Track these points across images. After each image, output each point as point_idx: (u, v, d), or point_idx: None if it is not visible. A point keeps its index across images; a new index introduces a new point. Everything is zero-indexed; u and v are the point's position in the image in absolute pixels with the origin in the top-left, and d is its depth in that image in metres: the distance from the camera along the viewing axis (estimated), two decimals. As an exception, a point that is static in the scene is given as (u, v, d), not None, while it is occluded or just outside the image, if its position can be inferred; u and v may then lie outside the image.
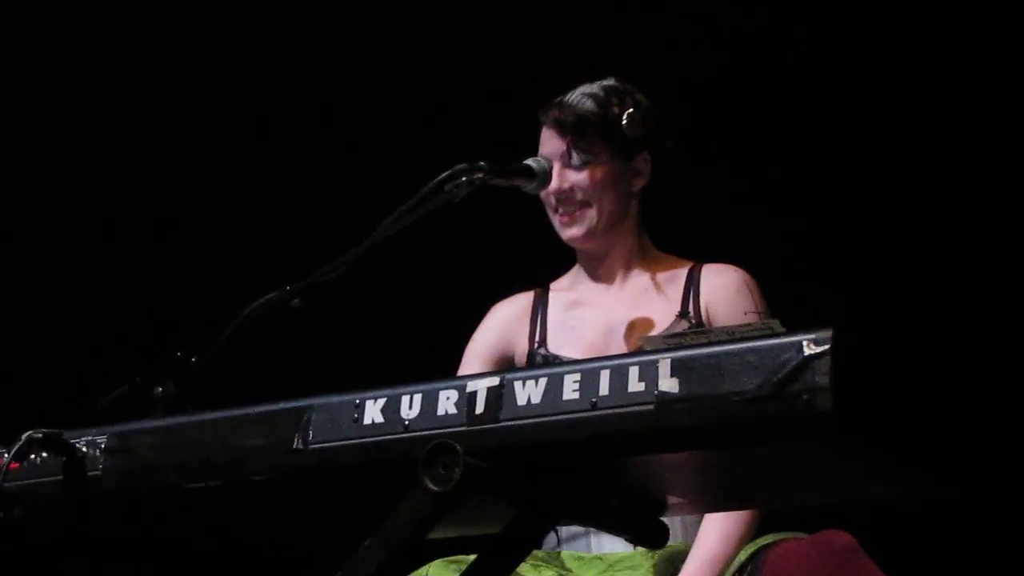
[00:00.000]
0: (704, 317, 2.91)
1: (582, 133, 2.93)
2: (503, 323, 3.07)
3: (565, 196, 2.95)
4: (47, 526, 2.29)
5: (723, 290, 2.94)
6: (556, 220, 2.98)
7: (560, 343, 2.97)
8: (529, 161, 2.90)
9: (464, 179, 2.64)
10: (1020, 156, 3.85)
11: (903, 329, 3.67)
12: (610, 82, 3.01)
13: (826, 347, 1.86)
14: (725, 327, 2.05)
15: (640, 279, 3.00)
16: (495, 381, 2.01)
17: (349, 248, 2.57)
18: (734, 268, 2.98)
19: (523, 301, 3.09)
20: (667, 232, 3.10)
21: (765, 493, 2.34)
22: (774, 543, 2.71)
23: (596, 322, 2.97)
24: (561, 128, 2.94)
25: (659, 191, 3.05)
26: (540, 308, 3.05)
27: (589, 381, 1.96)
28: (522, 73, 3.89)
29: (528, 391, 1.99)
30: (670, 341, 2.01)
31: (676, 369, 1.92)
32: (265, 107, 4.27)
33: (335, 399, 2.09)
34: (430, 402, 2.03)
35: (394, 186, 2.68)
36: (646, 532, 2.25)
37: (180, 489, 2.14)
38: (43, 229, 4.25)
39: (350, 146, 4.25)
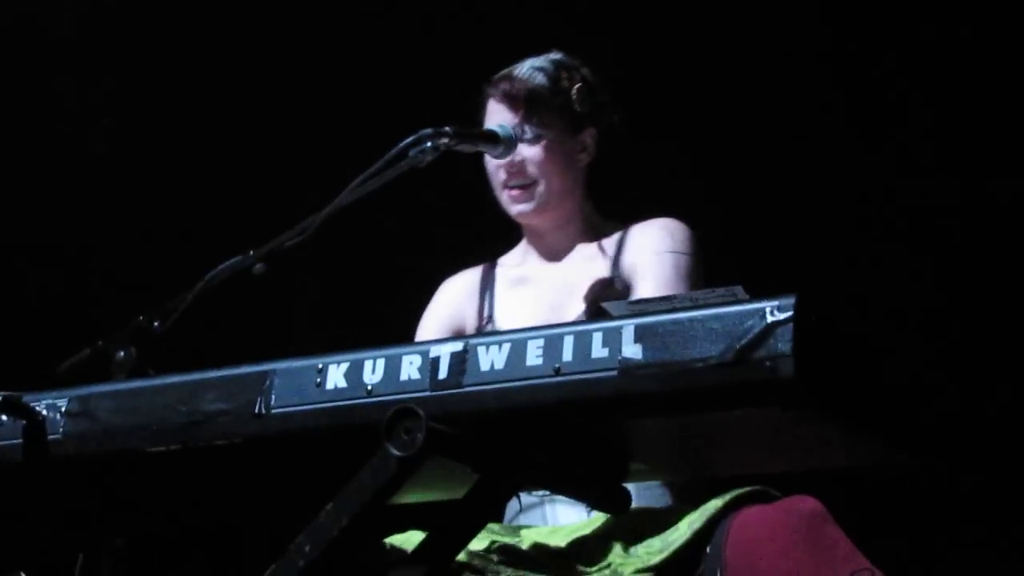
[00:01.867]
0: (626, 274, 2.88)
1: (534, 107, 2.91)
2: (453, 299, 3.06)
3: (516, 170, 2.93)
4: (7, 490, 2.27)
5: (641, 237, 2.91)
6: (504, 195, 2.96)
7: (508, 318, 2.96)
8: (494, 127, 2.87)
9: (429, 144, 2.61)
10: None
11: (864, 297, 3.69)
12: (558, 56, 2.99)
13: (789, 314, 1.87)
14: (689, 294, 2.04)
15: (584, 251, 2.98)
16: (459, 346, 2.01)
17: (312, 212, 2.56)
18: (660, 219, 2.95)
19: (472, 276, 3.08)
20: (631, 201, 3.09)
21: (727, 459, 2.35)
22: (736, 509, 2.68)
23: (542, 297, 2.95)
24: (512, 101, 2.92)
25: (616, 162, 3.04)
26: (488, 283, 3.04)
27: (553, 347, 1.96)
28: (471, 44, 3.89)
29: (492, 356, 1.99)
30: (634, 307, 2.01)
31: (640, 335, 1.92)
32: (227, 72, 4.25)
33: (297, 363, 2.09)
34: (393, 367, 2.03)
35: (358, 149, 2.66)
36: (609, 498, 2.25)
37: (141, 453, 2.13)
38: (2, 194, 4.22)
39: (313, 109, 4.23)
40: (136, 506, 2.45)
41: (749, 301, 1.91)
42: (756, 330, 1.87)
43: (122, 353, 2.44)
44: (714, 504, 2.65)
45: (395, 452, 1.94)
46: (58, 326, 3.68)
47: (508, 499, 2.85)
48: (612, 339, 1.93)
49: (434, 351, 2.02)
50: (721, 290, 1.98)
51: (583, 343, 1.95)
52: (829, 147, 3.96)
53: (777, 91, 3.98)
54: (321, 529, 2.00)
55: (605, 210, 3.05)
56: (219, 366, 2.14)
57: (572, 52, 3.01)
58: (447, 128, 2.66)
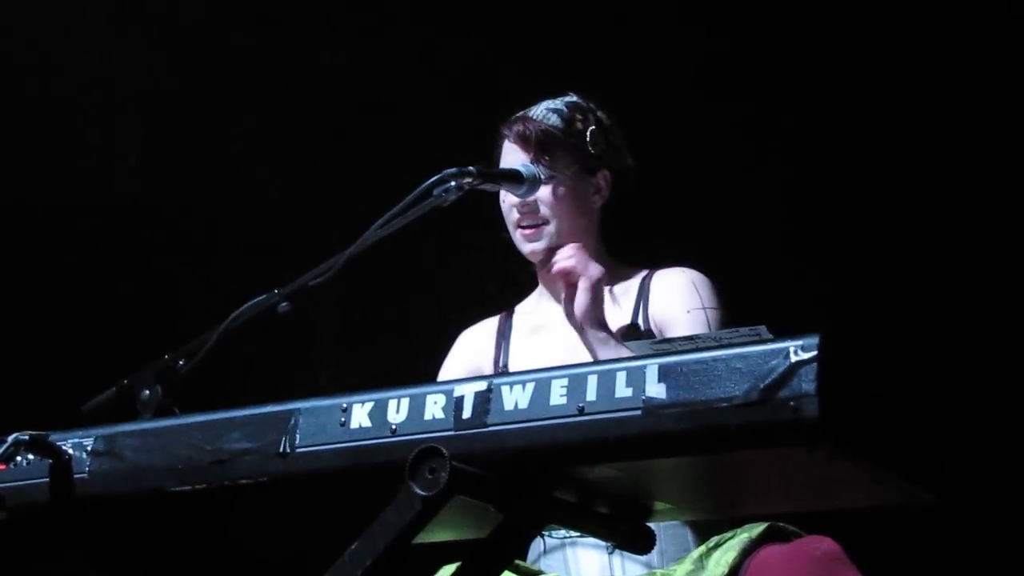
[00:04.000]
0: (654, 325, 2.88)
1: (546, 148, 2.91)
2: (469, 350, 3.07)
3: (529, 209, 2.92)
4: (33, 528, 2.27)
5: (668, 292, 2.91)
6: (518, 235, 2.96)
7: (524, 366, 2.93)
8: (518, 166, 2.88)
9: (453, 183, 2.61)
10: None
11: (889, 337, 3.67)
12: (572, 98, 3.00)
13: (813, 354, 1.86)
14: (712, 333, 2.04)
15: None
16: (483, 386, 2.00)
17: (337, 251, 2.56)
18: (681, 269, 2.96)
19: (489, 326, 3.08)
20: (651, 239, 3.09)
21: (752, 498, 2.33)
22: (757, 549, 2.67)
23: (557, 345, 2.94)
24: (525, 142, 2.92)
25: (633, 203, 3.04)
26: (505, 332, 3.04)
27: (576, 386, 1.95)
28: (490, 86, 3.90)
29: (516, 396, 1.98)
30: (657, 347, 2.00)
31: (663, 375, 1.92)
32: (252, 109, 4.25)
33: (322, 403, 2.08)
34: (417, 406, 2.03)
35: (383, 189, 2.66)
36: (633, 538, 2.24)
37: (166, 492, 2.13)
38: (27, 231, 4.22)
39: (338, 149, 4.23)
40: (162, 545, 2.44)
41: (773, 340, 1.90)
42: (780, 370, 1.86)
43: (147, 392, 2.44)
44: (741, 539, 2.64)
45: (419, 491, 1.94)
46: (84, 365, 3.69)
47: (532, 539, 2.84)
48: (636, 379, 1.93)
49: (458, 391, 2.01)
50: (745, 329, 1.98)
51: (607, 383, 1.94)
52: (847, 186, 3.96)
53: (795, 124, 3.98)
54: (345, 568, 2.00)
55: (618, 253, 3.04)
56: (244, 405, 2.14)
57: (590, 94, 3.01)
58: (471, 168, 2.66)
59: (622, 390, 1.93)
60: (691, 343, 1.98)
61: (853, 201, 3.96)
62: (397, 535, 1.97)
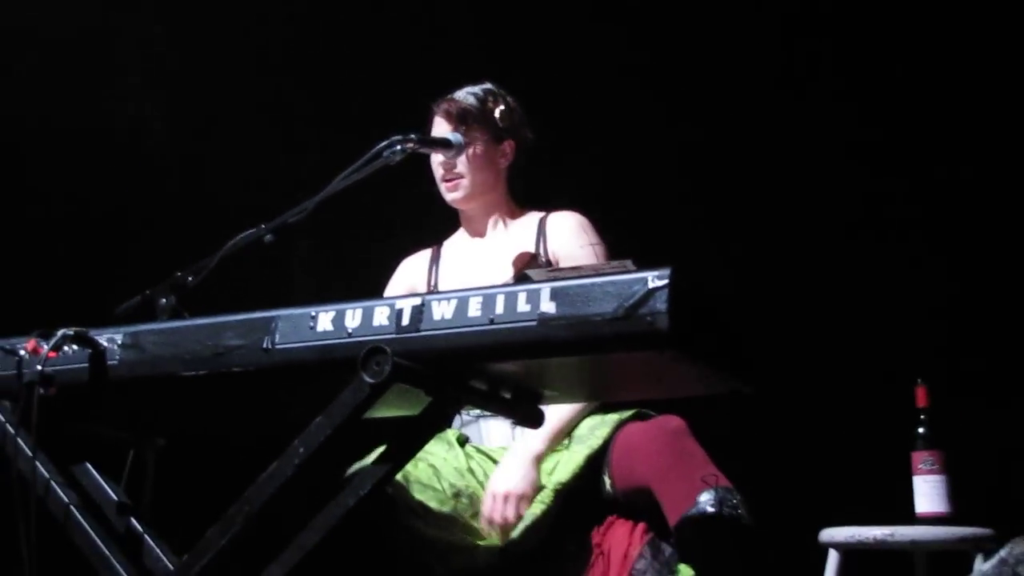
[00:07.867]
0: (552, 256, 2.93)
1: (464, 120, 2.96)
2: (408, 275, 3.10)
3: (449, 167, 2.97)
4: (75, 402, 2.26)
5: (565, 232, 2.97)
6: (442, 186, 3.01)
7: (449, 288, 2.94)
8: (447, 135, 2.92)
9: (399, 147, 2.62)
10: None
11: (727, 267, 3.69)
12: (488, 85, 3.05)
13: (666, 281, 1.89)
14: (593, 265, 2.05)
15: (505, 232, 3.04)
16: (417, 301, 2.02)
17: (310, 195, 2.54)
18: (571, 213, 3.01)
19: (423, 255, 3.12)
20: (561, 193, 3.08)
21: (619, 388, 2.37)
22: (624, 426, 2.70)
23: (474, 269, 2.99)
24: (449, 117, 2.98)
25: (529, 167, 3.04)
26: (436, 261, 3.08)
27: (488, 303, 1.98)
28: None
29: (442, 309, 2.00)
30: (551, 274, 2.02)
31: (554, 295, 1.94)
32: (238, 68, 4.11)
33: (296, 311, 2.10)
34: (368, 315, 2.04)
35: (346, 147, 2.65)
36: (528, 416, 2.27)
37: (177, 377, 2.13)
38: (65, 149, 4.02)
39: (312, 115, 4.16)
40: (174, 415, 2.44)
41: (636, 271, 1.93)
42: (640, 293, 1.89)
43: (164, 300, 2.43)
44: (612, 418, 2.68)
45: (368, 379, 1.96)
46: (117, 276, 3.63)
47: (453, 416, 2.86)
48: (533, 298, 1.95)
49: (399, 304, 2.03)
50: (616, 263, 2.00)
51: (511, 300, 1.97)
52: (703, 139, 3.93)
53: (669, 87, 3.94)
54: (311, 436, 2.02)
55: (521, 201, 3.07)
56: (237, 311, 2.14)
57: (502, 82, 3.03)
58: (412, 135, 2.66)
59: (523, 306, 1.96)
60: (575, 272, 2.00)
61: (725, 152, 3.91)
62: (351, 412, 2.00)
